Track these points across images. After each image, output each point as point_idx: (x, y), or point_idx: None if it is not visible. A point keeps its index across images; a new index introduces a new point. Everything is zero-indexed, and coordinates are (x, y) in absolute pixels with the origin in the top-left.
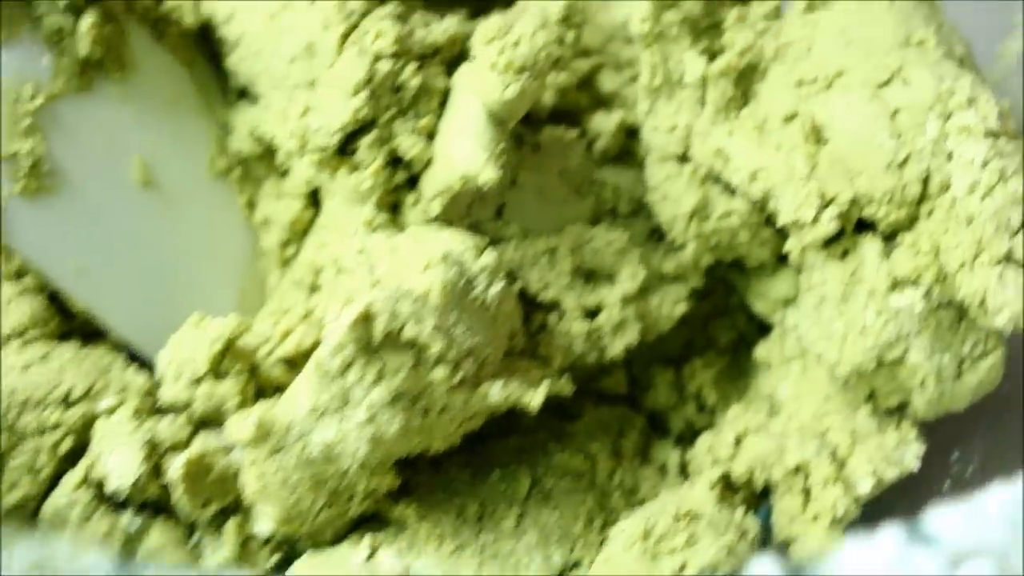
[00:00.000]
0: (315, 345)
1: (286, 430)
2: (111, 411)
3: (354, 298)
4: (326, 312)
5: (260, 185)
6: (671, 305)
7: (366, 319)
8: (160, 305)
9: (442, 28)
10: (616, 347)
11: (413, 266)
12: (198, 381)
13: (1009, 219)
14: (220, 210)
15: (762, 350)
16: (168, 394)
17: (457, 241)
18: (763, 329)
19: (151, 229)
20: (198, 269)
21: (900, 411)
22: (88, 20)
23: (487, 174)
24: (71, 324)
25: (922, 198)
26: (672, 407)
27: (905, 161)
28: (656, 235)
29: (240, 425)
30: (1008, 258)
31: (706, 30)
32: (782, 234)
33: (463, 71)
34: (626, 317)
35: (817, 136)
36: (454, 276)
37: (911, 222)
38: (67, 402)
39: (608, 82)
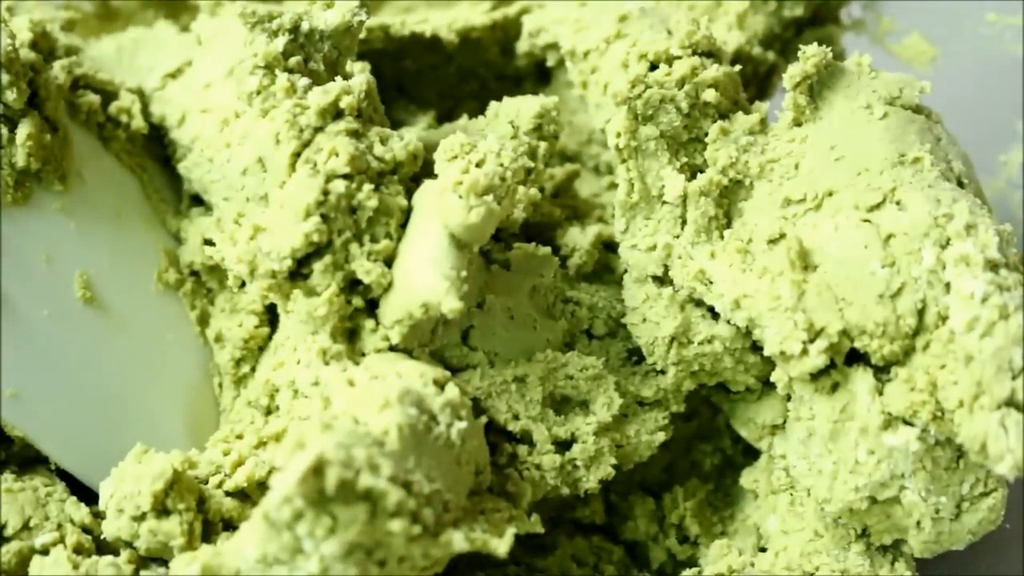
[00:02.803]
0: (269, 476)
1: (235, 574)
2: (48, 547)
3: (305, 442)
4: (276, 454)
5: (213, 298)
6: (650, 433)
7: (317, 470)
8: (103, 430)
9: (402, 143)
10: (591, 481)
11: (370, 404)
12: (142, 517)
13: (1010, 360)
14: (169, 327)
15: (748, 478)
16: (111, 529)
17: (416, 375)
18: (749, 451)
19: (94, 349)
20: (144, 390)
21: (895, 547)
22: (25, 130)
23: (449, 303)
24: (8, 451)
25: (917, 330)
26: (652, 538)
27: (899, 291)
28: (634, 357)
29: (185, 568)
30: (1009, 402)
31: (686, 144)
32: (769, 360)
33: (424, 190)
34: (601, 448)
35: (804, 262)
36: (413, 416)
37: (906, 355)
38: (2, 537)
39: (586, 188)
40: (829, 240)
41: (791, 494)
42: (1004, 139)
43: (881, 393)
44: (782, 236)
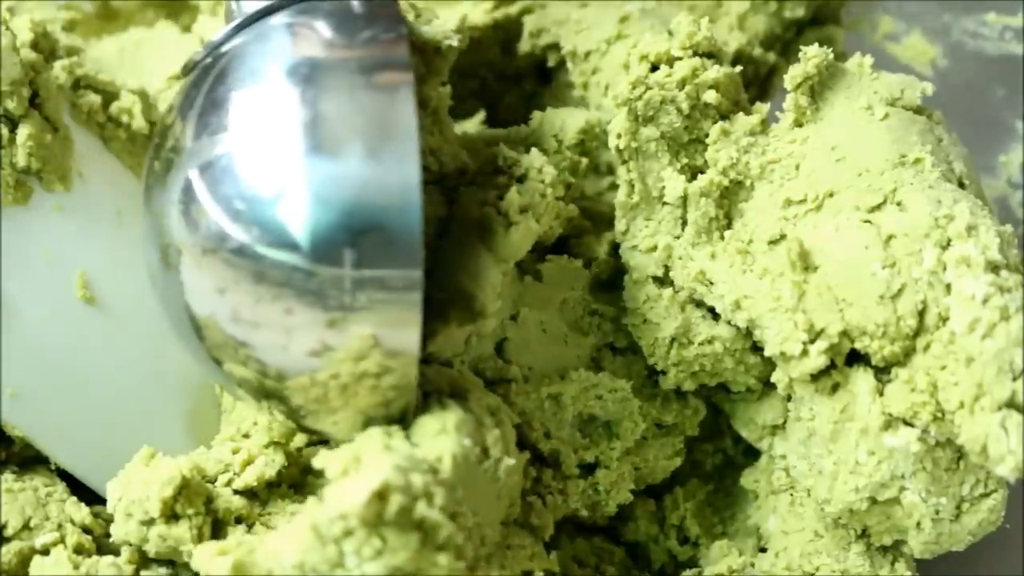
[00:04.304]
0: (279, 475)
1: None
2: (49, 548)
3: (362, 457)
4: (328, 463)
5: None
6: (667, 458)
7: (381, 495)
8: (103, 430)
9: (451, 157)
10: (610, 505)
11: (425, 425)
12: (151, 522)
13: (1011, 361)
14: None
15: (749, 478)
16: (119, 532)
17: (473, 400)
18: (750, 452)
19: (94, 349)
20: (145, 390)
21: (896, 548)
22: (25, 130)
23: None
24: (8, 450)
25: (918, 331)
26: (653, 539)
27: (900, 292)
28: (654, 377)
29: (214, 561)
30: (1010, 403)
31: (687, 145)
32: (769, 361)
33: (464, 202)
34: (623, 473)
35: (805, 263)
36: (467, 447)
37: (906, 356)
38: (2, 537)
39: (587, 189)
40: (830, 241)
41: (791, 494)
42: (1004, 139)
43: (882, 394)
44: (783, 237)
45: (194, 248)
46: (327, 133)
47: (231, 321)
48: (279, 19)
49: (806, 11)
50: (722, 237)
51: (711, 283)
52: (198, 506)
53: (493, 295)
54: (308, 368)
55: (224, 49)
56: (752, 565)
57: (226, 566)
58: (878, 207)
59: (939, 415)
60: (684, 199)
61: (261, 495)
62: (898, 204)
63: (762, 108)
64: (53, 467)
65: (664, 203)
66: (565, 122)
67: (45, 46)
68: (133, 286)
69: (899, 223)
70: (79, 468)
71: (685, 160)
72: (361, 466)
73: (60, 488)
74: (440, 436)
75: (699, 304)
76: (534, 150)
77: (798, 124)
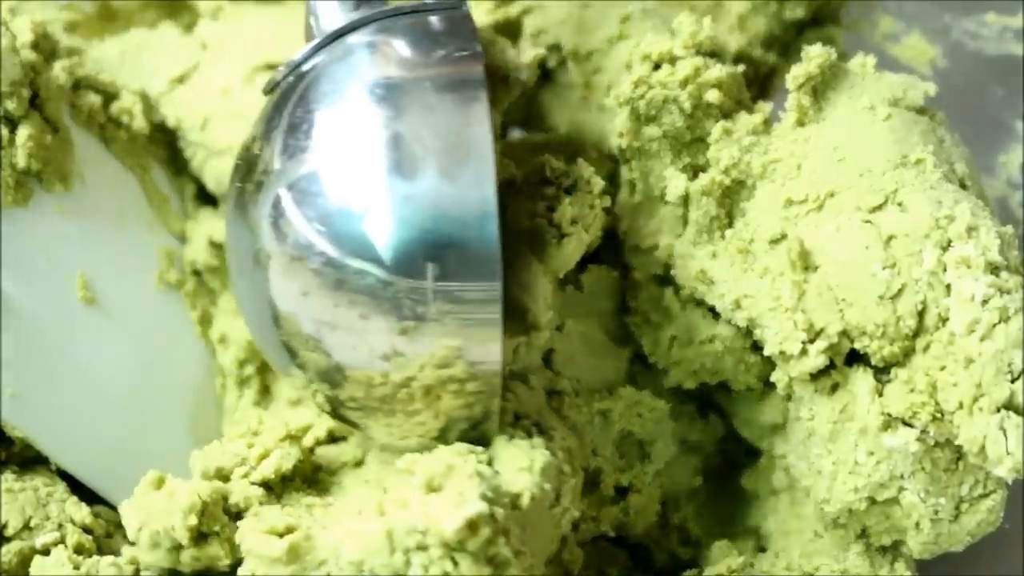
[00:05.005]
0: (294, 468)
1: (316, 565)
2: (49, 548)
3: (452, 476)
4: (414, 466)
5: (216, 299)
6: (689, 478)
7: (472, 527)
8: (104, 431)
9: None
10: (638, 527)
11: (512, 455)
12: (179, 547)
13: (1010, 363)
14: (170, 327)
15: (749, 479)
16: (148, 560)
17: (558, 441)
18: (750, 452)
19: (94, 350)
20: (145, 391)
21: (895, 548)
22: (26, 131)
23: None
24: (8, 450)
25: (917, 332)
26: (655, 540)
27: (899, 293)
28: (679, 395)
29: (267, 541)
30: (1008, 405)
31: (689, 145)
32: (770, 360)
33: (512, 214)
34: (652, 495)
35: (805, 263)
36: (547, 491)
37: (905, 357)
38: (2, 537)
39: None
40: (830, 241)
41: (791, 495)
42: (1004, 139)
43: (881, 394)
44: (783, 237)
45: (282, 256)
46: (405, 153)
47: (310, 320)
48: (358, 37)
49: (806, 12)
50: (723, 236)
51: (712, 282)
52: (223, 519)
53: (545, 307)
54: (377, 369)
55: (305, 68)
56: (752, 565)
57: (281, 548)
58: (879, 207)
59: (938, 415)
60: (686, 198)
61: (276, 489)
62: (899, 204)
63: (764, 107)
64: (53, 467)
65: (666, 202)
66: (604, 129)
67: (45, 47)
68: (133, 286)
69: (900, 223)
70: (79, 468)
71: (687, 159)
72: (450, 484)
73: (60, 488)
74: (523, 473)
75: (700, 303)
76: (580, 160)
77: (800, 124)
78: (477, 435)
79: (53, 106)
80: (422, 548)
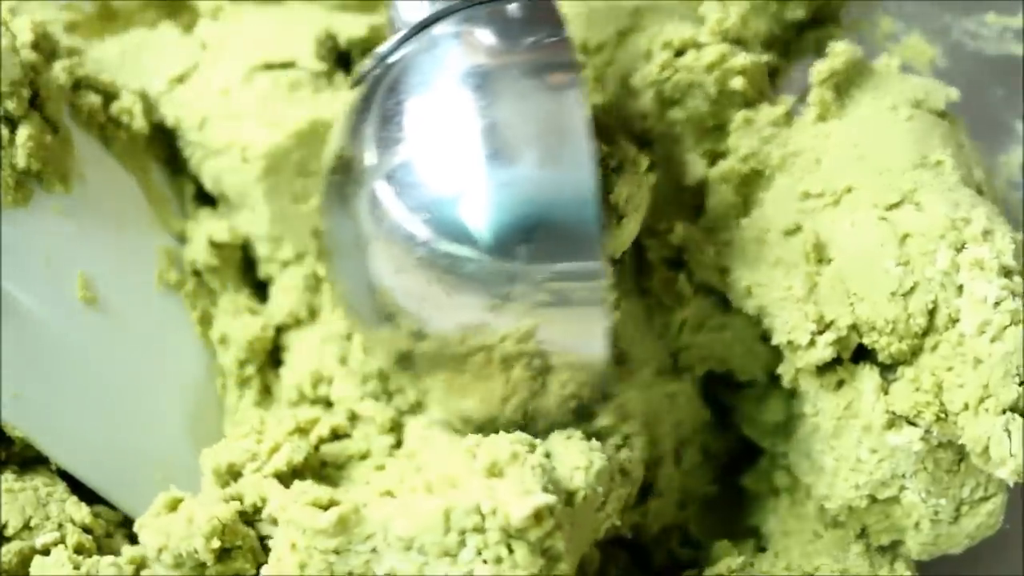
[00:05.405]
0: (306, 461)
1: (363, 539)
2: (49, 547)
3: (521, 455)
4: (477, 450)
5: (216, 299)
6: (704, 485)
7: (539, 517)
8: (104, 431)
9: None
10: (653, 530)
11: (569, 451)
12: (204, 566)
13: (1018, 365)
14: (170, 327)
15: (749, 479)
16: None
17: (611, 444)
18: (751, 451)
19: (95, 350)
20: (145, 391)
21: (893, 548)
22: (26, 131)
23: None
24: (8, 450)
25: (927, 331)
26: (655, 540)
27: (911, 290)
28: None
29: (313, 513)
30: (1015, 407)
31: (711, 131)
32: (777, 352)
33: None
34: (672, 499)
35: (819, 255)
36: (599, 493)
37: (913, 355)
38: (2, 537)
39: None
40: (845, 236)
41: (792, 495)
42: (1004, 139)
43: (886, 392)
44: (798, 228)
45: (378, 240)
46: (503, 139)
47: (404, 294)
48: (443, 28)
49: (806, 12)
50: (739, 224)
51: (725, 269)
52: (243, 530)
53: (611, 288)
54: (460, 338)
55: (392, 60)
56: (752, 565)
57: (329, 520)
58: (896, 205)
59: (942, 416)
60: (704, 184)
61: (287, 483)
62: (916, 204)
63: (787, 100)
64: (53, 467)
65: (684, 187)
66: (621, 114)
67: (45, 47)
68: (133, 286)
69: (916, 222)
70: (79, 468)
71: (708, 145)
72: (512, 471)
73: (60, 488)
74: (579, 472)
75: (712, 290)
76: (622, 140)
77: (821, 119)
78: (539, 413)
79: (53, 106)
80: (479, 531)
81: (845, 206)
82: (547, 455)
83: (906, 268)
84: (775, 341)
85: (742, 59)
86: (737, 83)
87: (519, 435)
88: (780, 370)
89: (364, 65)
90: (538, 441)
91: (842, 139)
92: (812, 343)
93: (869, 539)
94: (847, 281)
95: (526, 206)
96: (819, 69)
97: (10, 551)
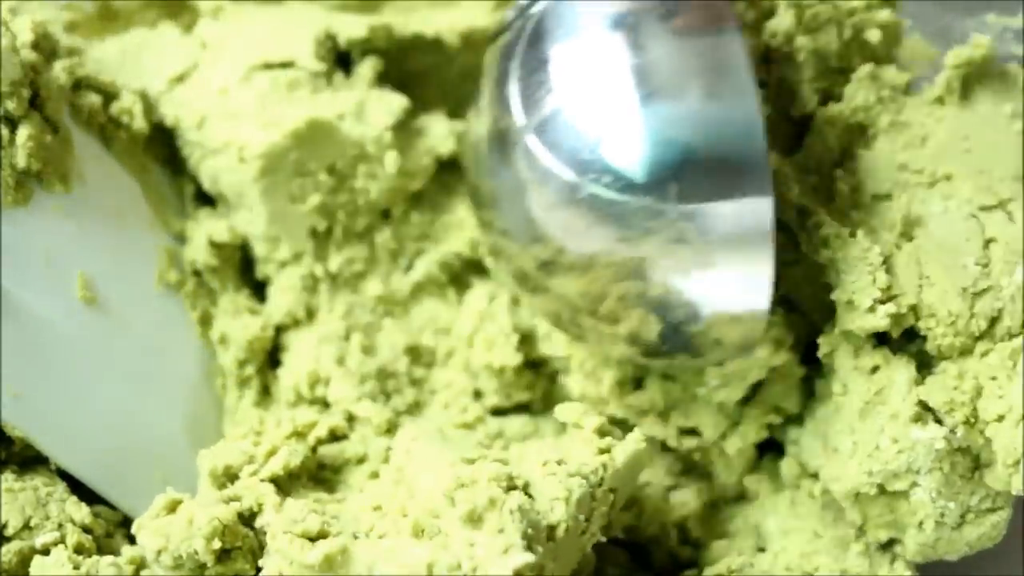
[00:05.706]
0: (303, 464)
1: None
2: (49, 547)
3: (495, 511)
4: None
5: (216, 299)
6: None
7: None
8: (103, 431)
9: None
10: (648, 531)
11: (548, 484)
12: (204, 566)
13: None
14: (169, 327)
15: (749, 478)
16: None
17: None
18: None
19: (95, 350)
20: (145, 391)
21: (890, 547)
22: (26, 131)
23: None
24: (8, 450)
25: (983, 335)
26: (655, 540)
27: (982, 292)
28: None
29: (302, 548)
30: None
31: (832, 71)
32: (810, 327)
33: None
34: (666, 506)
35: (906, 228)
36: (579, 522)
37: (961, 354)
38: (2, 537)
39: None
40: (934, 219)
41: (792, 494)
42: None
43: (920, 384)
44: (888, 196)
45: (533, 183)
46: (663, 78)
47: (560, 229)
48: None
49: None
50: (831, 172)
51: (806, 211)
52: (242, 531)
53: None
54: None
55: (534, 10)
56: (752, 565)
57: (316, 558)
58: (990, 208)
59: (972, 420)
60: (809, 120)
61: (284, 486)
62: (1008, 213)
63: (909, 72)
64: (53, 467)
65: (790, 117)
66: None
67: (46, 47)
68: (133, 286)
69: (1005, 231)
70: (79, 468)
71: (825, 83)
72: (490, 517)
73: (60, 488)
74: (559, 503)
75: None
76: None
77: (940, 102)
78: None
79: (53, 106)
80: None
81: (939, 191)
82: (526, 487)
83: (983, 270)
84: (834, 296)
85: (885, 15)
86: (873, 35)
87: (497, 470)
88: (820, 340)
89: (506, 15)
90: (516, 473)
91: (953, 127)
92: (872, 309)
93: (867, 535)
94: (924, 263)
95: (692, 143)
96: (956, 53)
97: (10, 551)
